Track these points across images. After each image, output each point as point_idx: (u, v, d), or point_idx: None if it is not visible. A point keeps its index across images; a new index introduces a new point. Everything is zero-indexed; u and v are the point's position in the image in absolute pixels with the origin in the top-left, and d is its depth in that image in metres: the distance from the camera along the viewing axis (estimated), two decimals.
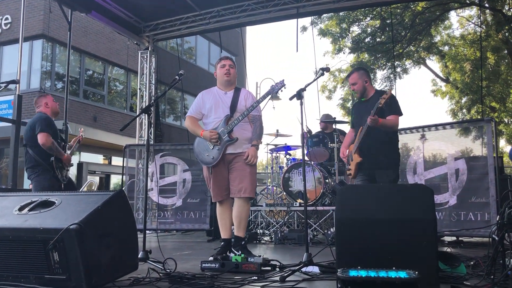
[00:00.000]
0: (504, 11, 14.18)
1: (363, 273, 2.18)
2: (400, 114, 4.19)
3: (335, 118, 7.14)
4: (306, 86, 3.78)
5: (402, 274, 2.13)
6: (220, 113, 4.23)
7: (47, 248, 2.62)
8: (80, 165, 16.00)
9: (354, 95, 4.62)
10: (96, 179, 17.03)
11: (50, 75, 15.44)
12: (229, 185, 4.22)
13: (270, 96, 4.32)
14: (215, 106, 4.27)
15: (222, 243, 4.29)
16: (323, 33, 15.91)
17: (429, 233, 2.41)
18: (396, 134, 4.37)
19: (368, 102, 4.28)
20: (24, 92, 13.54)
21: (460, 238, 5.80)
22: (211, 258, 3.67)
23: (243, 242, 4.20)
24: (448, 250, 4.32)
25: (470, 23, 17.33)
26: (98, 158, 17.55)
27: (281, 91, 4.26)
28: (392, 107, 4.13)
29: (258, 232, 6.78)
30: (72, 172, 15.48)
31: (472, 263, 3.54)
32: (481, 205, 5.32)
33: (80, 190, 10.57)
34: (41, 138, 4.69)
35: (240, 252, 4.04)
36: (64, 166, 4.96)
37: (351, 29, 15.94)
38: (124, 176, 7.79)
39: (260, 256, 3.56)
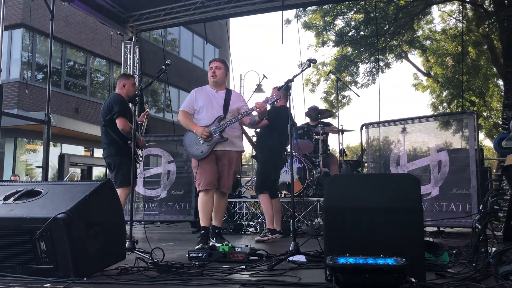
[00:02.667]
0: (484, 6, 14.38)
1: (351, 260, 2.22)
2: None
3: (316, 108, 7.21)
4: (294, 77, 3.82)
5: (390, 261, 2.18)
6: (213, 111, 4.48)
7: (33, 238, 2.60)
8: (61, 157, 15.78)
9: None
10: (78, 171, 16.83)
11: (30, 65, 15.16)
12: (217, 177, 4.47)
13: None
14: (208, 103, 4.49)
15: (203, 231, 4.42)
16: (307, 26, 15.92)
17: (416, 221, 2.46)
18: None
19: None
20: (3, 82, 13.26)
21: (441, 229, 5.91)
22: (197, 247, 3.72)
23: (217, 230, 4.53)
24: (430, 239, 4.41)
25: (452, 18, 17.56)
26: (80, 150, 17.34)
27: (274, 104, 4.41)
28: None
29: (243, 223, 6.80)
30: (53, 164, 15.28)
31: (454, 252, 3.61)
32: (462, 196, 5.43)
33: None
34: (119, 123, 4.79)
35: (215, 239, 4.41)
36: (139, 148, 5.11)
37: (335, 22, 15.99)
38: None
39: (247, 245, 3.58)
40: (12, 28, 14.36)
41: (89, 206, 2.73)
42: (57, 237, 2.57)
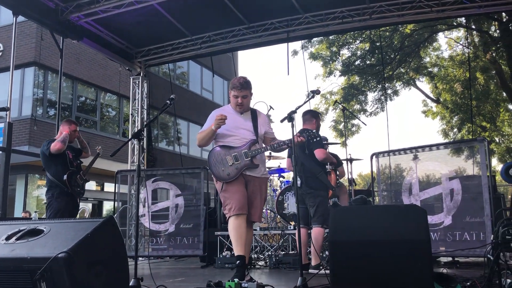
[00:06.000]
0: (490, 32, 14.45)
1: None
2: None
3: (326, 140, 7.15)
4: (297, 109, 3.80)
5: None
6: (241, 133, 4.09)
7: (34, 278, 2.55)
8: None
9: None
10: (89, 206, 16.85)
11: (42, 102, 15.42)
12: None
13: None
14: (234, 125, 4.10)
15: (238, 261, 3.86)
16: (313, 56, 16.10)
17: (424, 253, 2.38)
18: None
19: None
20: (15, 120, 13.48)
21: (456, 259, 5.74)
22: (235, 281, 3.52)
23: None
24: (444, 271, 4.28)
25: (458, 44, 17.63)
26: (91, 185, 17.39)
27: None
28: None
29: (253, 256, 6.68)
30: None
31: (468, 283, 3.48)
32: (476, 225, 5.29)
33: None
34: (53, 147, 5.43)
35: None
36: (75, 175, 5.61)
37: (341, 52, 16.14)
38: (116, 203, 7.70)
39: (254, 281, 3.50)
40: (24, 67, 14.70)
41: (91, 244, 2.69)
42: (58, 277, 2.52)
